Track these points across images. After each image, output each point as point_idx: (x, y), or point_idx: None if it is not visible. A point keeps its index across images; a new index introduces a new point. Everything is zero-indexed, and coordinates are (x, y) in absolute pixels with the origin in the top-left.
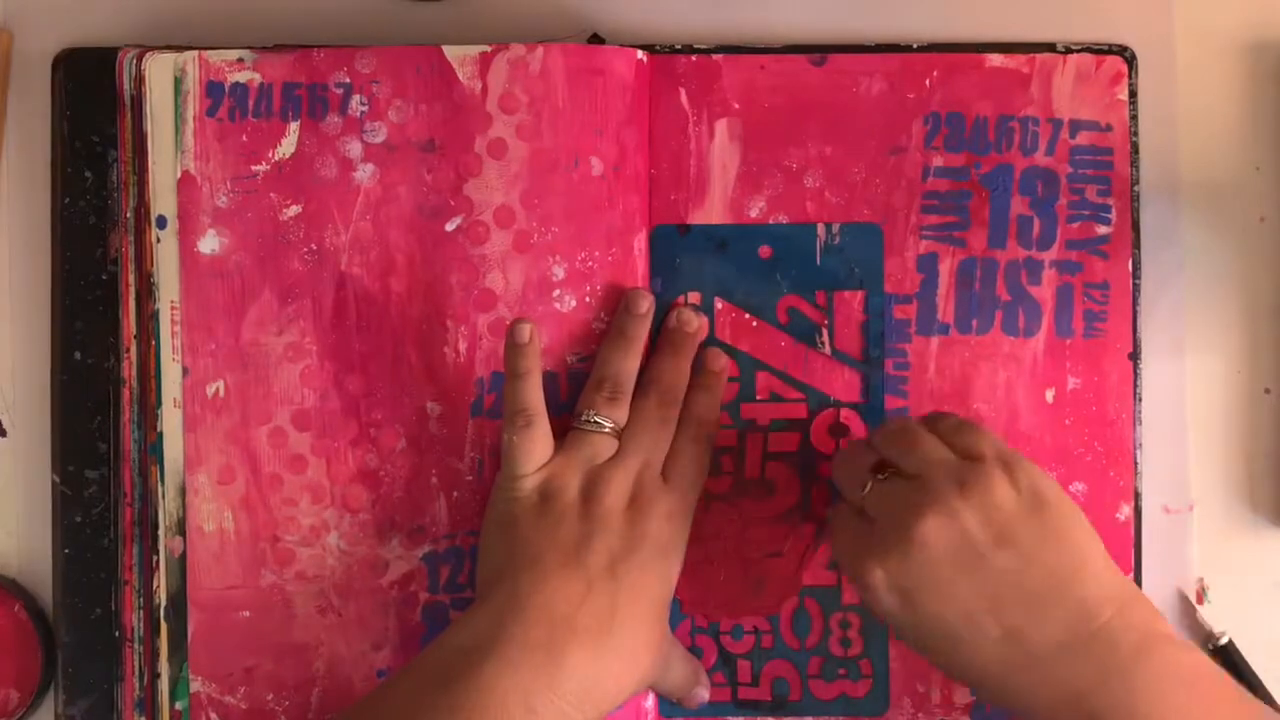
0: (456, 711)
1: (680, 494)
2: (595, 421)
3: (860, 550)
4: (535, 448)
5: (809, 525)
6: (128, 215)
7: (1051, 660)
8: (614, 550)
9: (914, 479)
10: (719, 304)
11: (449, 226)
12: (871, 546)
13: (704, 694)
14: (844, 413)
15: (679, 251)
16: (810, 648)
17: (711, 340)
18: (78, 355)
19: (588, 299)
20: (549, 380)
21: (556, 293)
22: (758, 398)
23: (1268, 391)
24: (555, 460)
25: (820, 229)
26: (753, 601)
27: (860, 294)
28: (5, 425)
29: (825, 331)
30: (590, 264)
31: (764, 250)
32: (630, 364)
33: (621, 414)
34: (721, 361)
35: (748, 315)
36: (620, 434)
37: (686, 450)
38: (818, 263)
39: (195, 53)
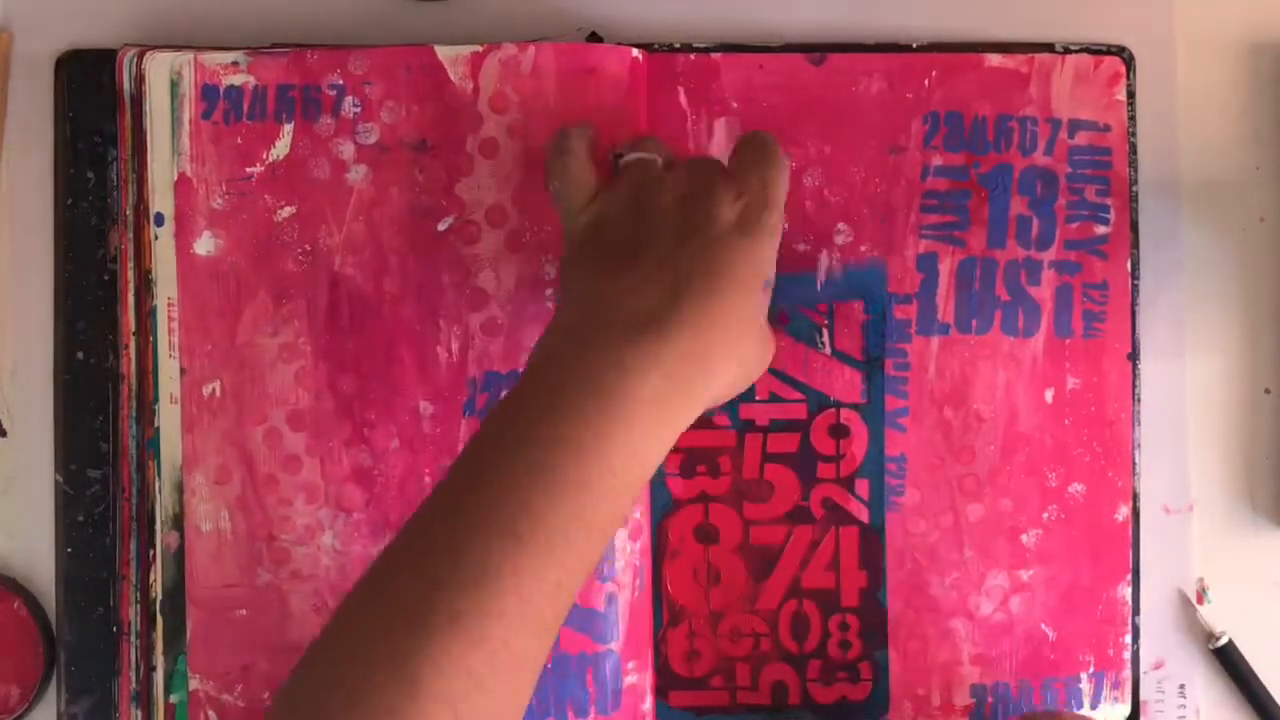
0: (520, 417)
1: (749, 183)
2: (637, 156)
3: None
4: (582, 178)
5: (808, 528)
6: (127, 212)
7: None
8: (673, 234)
9: None
10: None
11: (441, 226)
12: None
13: None
14: (844, 413)
15: None
16: (809, 651)
17: None
18: (80, 355)
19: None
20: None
21: (549, 291)
22: (757, 398)
23: (1268, 391)
24: (605, 189)
25: (822, 269)
26: (752, 603)
27: (860, 301)
28: (6, 425)
29: (825, 332)
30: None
31: None
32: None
33: (663, 154)
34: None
35: None
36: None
37: (771, 170)
38: (818, 289)
39: (190, 56)
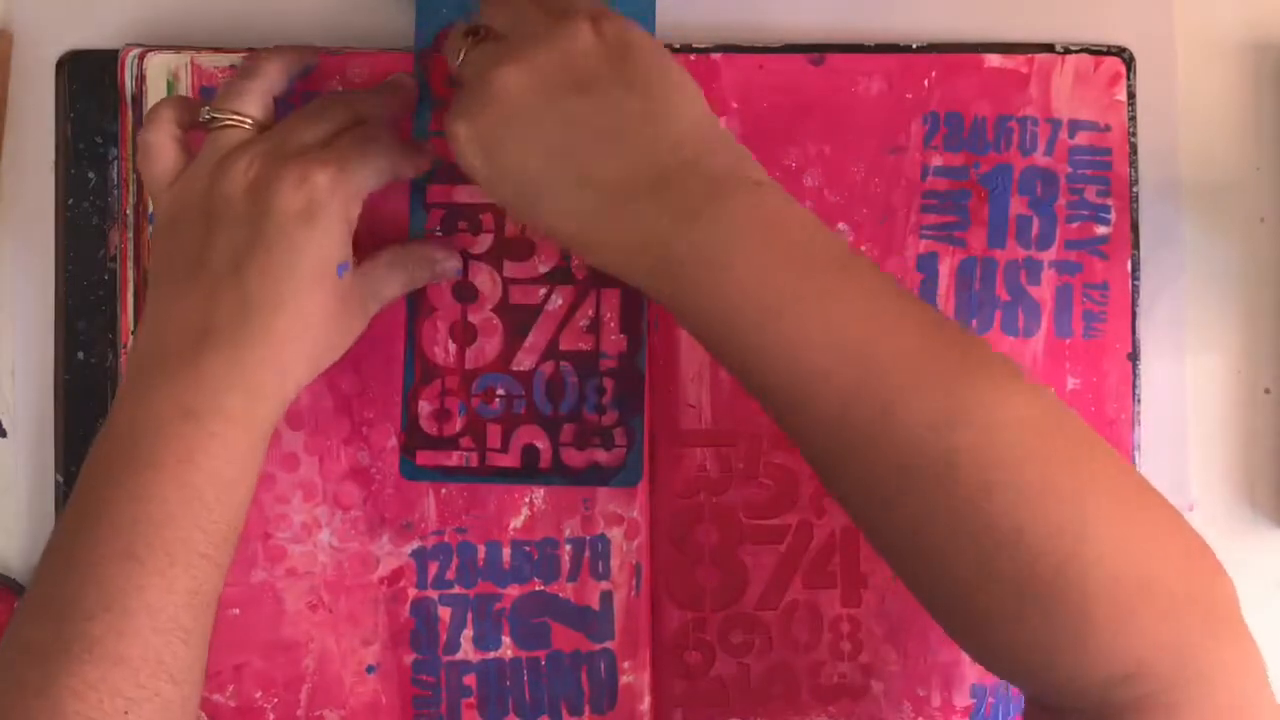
0: (115, 445)
1: (322, 156)
2: (216, 116)
3: (451, 112)
4: (160, 161)
5: (569, 289)
6: (127, 212)
7: (627, 204)
8: (236, 241)
9: (503, 39)
10: None
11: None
12: (459, 105)
13: (452, 264)
14: None
15: None
16: (563, 414)
17: None
18: (80, 355)
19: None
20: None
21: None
22: None
23: (1268, 391)
24: (185, 170)
25: None
26: (507, 364)
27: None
28: (6, 425)
29: None
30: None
31: None
32: (274, 69)
33: (254, 106)
34: (406, 79)
35: None
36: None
37: (350, 132)
38: None
39: (187, 58)
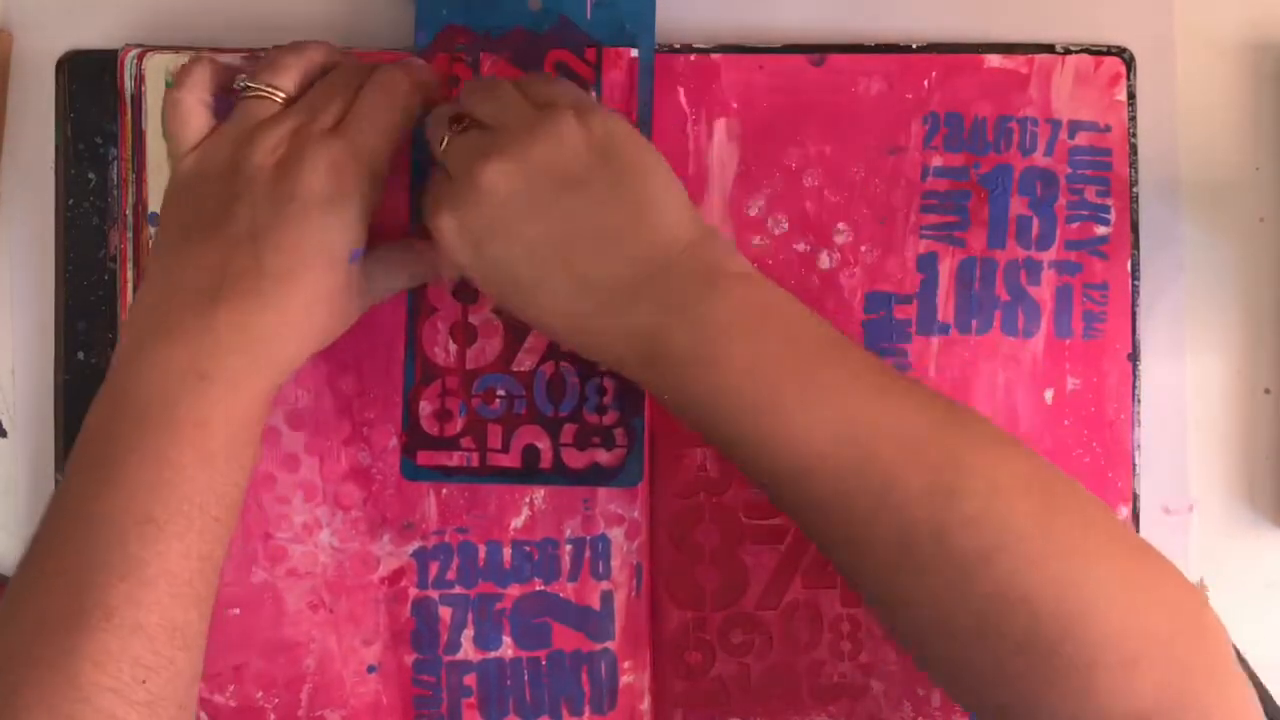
0: (128, 406)
1: (348, 141)
2: (250, 86)
3: (436, 201)
4: (189, 122)
5: None
6: (126, 212)
7: (621, 302)
8: (257, 212)
9: (488, 129)
10: (485, 58)
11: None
12: (445, 196)
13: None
14: None
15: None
16: (564, 415)
17: None
18: (80, 355)
19: None
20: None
21: None
22: None
23: (1268, 391)
24: (211, 134)
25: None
26: (508, 364)
27: (630, 51)
28: (6, 426)
29: (593, 90)
30: None
31: (533, 1)
32: (314, 52)
33: (289, 81)
34: (421, 64)
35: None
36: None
37: (367, 99)
38: (588, 17)
39: (187, 58)
